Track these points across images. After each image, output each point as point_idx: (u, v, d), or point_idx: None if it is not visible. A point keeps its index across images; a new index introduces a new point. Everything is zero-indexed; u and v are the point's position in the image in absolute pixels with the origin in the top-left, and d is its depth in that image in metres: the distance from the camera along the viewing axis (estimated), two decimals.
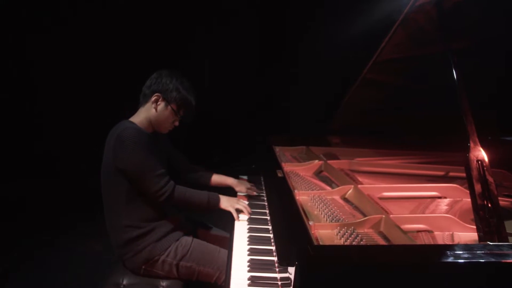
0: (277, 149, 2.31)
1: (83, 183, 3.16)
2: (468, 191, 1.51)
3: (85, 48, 3.63)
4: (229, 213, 1.64)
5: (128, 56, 3.61)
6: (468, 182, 1.00)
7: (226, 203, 1.63)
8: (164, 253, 1.50)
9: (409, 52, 1.58)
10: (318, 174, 1.92)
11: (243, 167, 2.26)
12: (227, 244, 1.68)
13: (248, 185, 1.91)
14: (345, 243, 1.11)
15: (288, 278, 1.14)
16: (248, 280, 1.17)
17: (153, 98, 1.54)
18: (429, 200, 1.53)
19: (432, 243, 1.16)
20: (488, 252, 0.86)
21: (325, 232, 1.20)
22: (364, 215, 1.34)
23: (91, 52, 3.63)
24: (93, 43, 3.63)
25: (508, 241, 0.93)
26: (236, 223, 1.59)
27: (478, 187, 0.97)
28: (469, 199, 1.49)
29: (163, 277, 1.53)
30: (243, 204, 1.67)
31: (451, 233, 1.23)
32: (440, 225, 1.24)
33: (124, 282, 1.52)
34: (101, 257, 2.45)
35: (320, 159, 1.98)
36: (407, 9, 1.24)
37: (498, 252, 0.87)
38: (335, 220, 1.29)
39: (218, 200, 1.62)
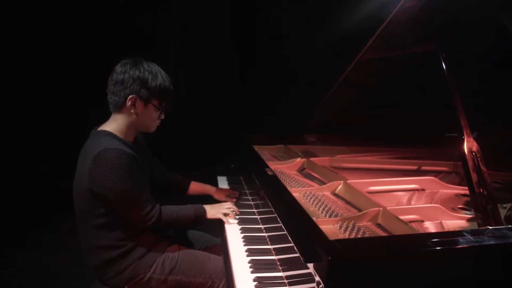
0: (255, 148, 2.29)
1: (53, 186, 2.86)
2: (443, 183, 1.65)
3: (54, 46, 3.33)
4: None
5: (102, 55, 3.35)
6: (465, 172, 1.07)
7: (212, 211, 1.57)
8: (149, 270, 1.39)
9: (389, 52, 1.65)
10: (301, 171, 1.94)
11: (222, 168, 2.21)
12: (217, 249, 1.63)
13: (228, 191, 1.83)
14: (350, 237, 1.13)
15: (293, 276, 1.13)
16: (254, 281, 1.13)
17: (129, 103, 1.32)
18: (411, 192, 1.62)
19: (427, 232, 1.22)
20: (492, 235, 0.93)
21: (327, 227, 1.20)
22: (358, 209, 1.37)
23: (58, 50, 3.33)
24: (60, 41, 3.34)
25: (503, 224, 1.01)
26: (227, 225, 1.55)
27: (474, 176, 1.04)
28: (446, 190, 1.62)
29: None
30: (228, 206, 1.63)
31: (439, 221, 1.30)
32: (430, 215, 1.31)
33: None
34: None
35: (301, 157, 2.00)
36: (396, 9, 1.29)
37: (500, 234, 0.93)
38: (334, 215, 1.30)
39: (204, 212, 1.56)
